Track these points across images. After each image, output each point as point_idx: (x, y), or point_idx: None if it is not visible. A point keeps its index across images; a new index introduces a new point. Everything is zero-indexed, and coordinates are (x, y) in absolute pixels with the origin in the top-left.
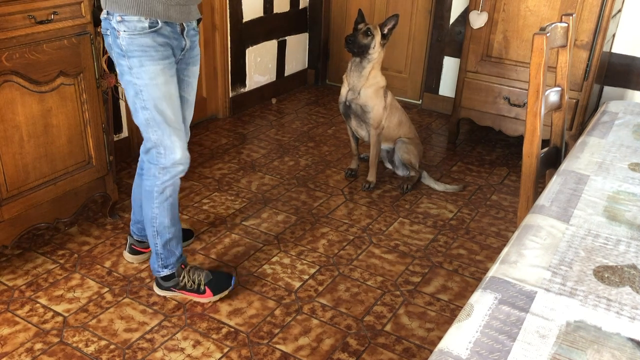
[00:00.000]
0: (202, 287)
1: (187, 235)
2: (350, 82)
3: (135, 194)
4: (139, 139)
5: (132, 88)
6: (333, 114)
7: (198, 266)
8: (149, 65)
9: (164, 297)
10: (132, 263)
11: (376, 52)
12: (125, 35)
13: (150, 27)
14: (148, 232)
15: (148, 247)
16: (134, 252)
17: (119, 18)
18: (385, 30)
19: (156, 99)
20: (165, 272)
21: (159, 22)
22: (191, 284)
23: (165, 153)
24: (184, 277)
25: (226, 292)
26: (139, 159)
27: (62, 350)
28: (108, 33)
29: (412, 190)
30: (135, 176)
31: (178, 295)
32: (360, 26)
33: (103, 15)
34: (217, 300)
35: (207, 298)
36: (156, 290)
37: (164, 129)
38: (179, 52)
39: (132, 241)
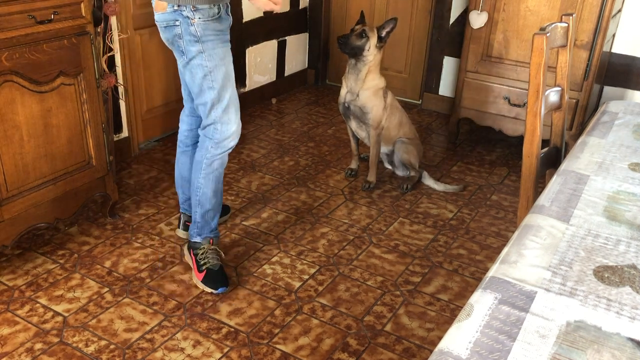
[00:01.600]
0: (203, 267)
1: (224, 210)
2: (348, 84)
3: (181, 171)
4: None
5: (202, 70)
6: (333, 114)
7: (219, 252)
8: (220, 47)
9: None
10: (185, 239)
11: (371, 54)
12: (201, 21)
13: (218, 13)
14: (192, 199)
15: None
16: (187, 228)
17: (192, 7)
18: (383, 33)
19: (224, 79)
20: (198, 239)
21: (221, 7)
22: (200, 257)
23: (222, 129)
24: (203, 248)
25: (210, 290)
26: (181, 136)
27: (62, 350)
28: (177, 24)
29: (412, 190)
30: (179, 155)
31: (189, 259)
32: (357, 27)
33: (169, 10)
34: (201, 287)
35: (197, 279)
36: (184, 248)
37: (225, 107)
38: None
39: (185, 218)
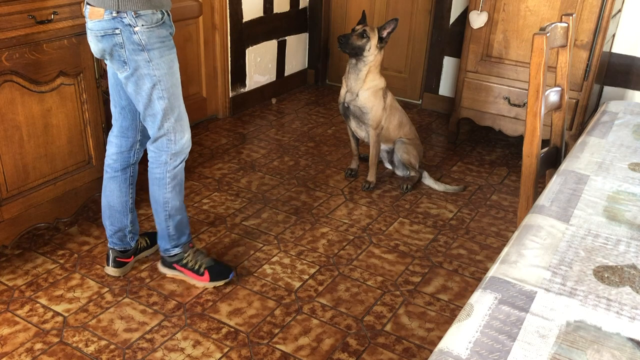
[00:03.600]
0: (202, 269)
1: (152, 241)
2: (348, 84)
3: (110, 201)
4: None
5: (150, 80)
6: (333, 114)
7: (203, 251)
8: (167, 55)
9: (166, 276)
10: (119, 277)
11: (372, 54)
12: (144, 29)
13: (162, 18)
14: (159, 217)
15: (131, 255)
16: (119, 264)
17: (134, 14)
18: (384, 34)
19: (172, 87)
20: (176, 250)
21: (164, 12)
22: (193, 264)
23: (176, 139)
24: (188, 254)
25: (222, 283)
26: (109, 159)
27: (62, 350)
28: (117, 32)
29: (412, 190)
30: (106, 182)
31: (178, 274)
32: (358, 27)
33: (107, 17)
34: (212, 287)
35: (203, 282)
36: (160, 268)
37: (177, 116)
38: None
39: (115, 254)
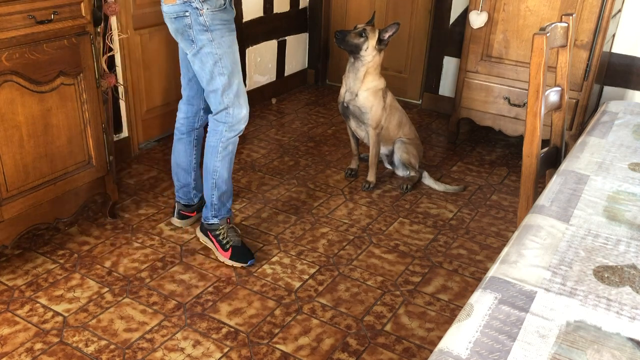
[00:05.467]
0: (228, 245)
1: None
2: (348, 83)
3: (177, 159)
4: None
5: (212, 58)
6: (333, 114)
7: (238, 230)
8: (228, 36)
9: (199, 240)
10: (181, 227)
11: (369, 55)
12: (209, 12)
13: (224, 4)
14: (207, 184)
15: (194, 210)
16: (182, 217)
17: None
18: (385, 37)
19: (232, 65)
20: (215, 220)
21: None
22: (222, 237)
23: (234, 113)
24: (223, 227)
25: (239, 265)
26: (177, 123)
27: (62, 350)
28: (187, 14)
29: (412, 190)
30: (175, 142)
31: (208, 242)
32: (359, 26)
33: (179, 1)
34: (230, 265)
35: (225, 257)
36: (197, 232)
37: (236, 92)
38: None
39: (179, 207)
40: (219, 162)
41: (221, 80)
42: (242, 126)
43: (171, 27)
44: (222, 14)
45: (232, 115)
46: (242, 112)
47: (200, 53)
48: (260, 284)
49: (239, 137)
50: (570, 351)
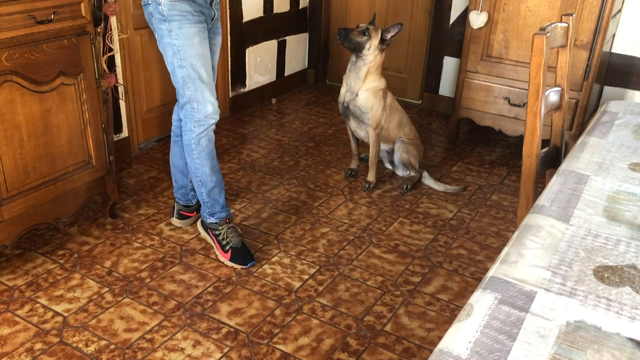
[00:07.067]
0: (227, 247)
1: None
2: (348, 83)
3: (173, 160)
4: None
5: (171, 49)
6: (333, 114)
7: (237, 229)
8: (187, 28)
9: (199, 237)
10: (181, 227)
11: (371, 54)
12: (167, 2)
13: None
14: (194, 183)
15: (194, 211)
16: (182, 217)
17: None
18: (387, 37)
19: (192, 57)
20: (212, 219)
21: None
22: (222, 238)
23: (198, 107)
24: (222, 228)
25: (239, 267)
26: (173, 126)
27: (62, 350)
28: (150, 2)
29: (412, 190)
30: (172, 144)
31: (209, 239)
32: (362, 25)
33: None
34: (230, 266)
35: (224, 258)
36: (198, 226)
37: (197, 86)
38: (209, 20)
39: (179, 207)
40: (197, 160)
41: (180, 72)
42: (211, 121)
43: (145, 14)
44: (183, 5)
45: (197, 110)
46: (208, 106)
47: (161, 43)
48: (260, 284)
49: (239, 137)
50: (570, 351)
